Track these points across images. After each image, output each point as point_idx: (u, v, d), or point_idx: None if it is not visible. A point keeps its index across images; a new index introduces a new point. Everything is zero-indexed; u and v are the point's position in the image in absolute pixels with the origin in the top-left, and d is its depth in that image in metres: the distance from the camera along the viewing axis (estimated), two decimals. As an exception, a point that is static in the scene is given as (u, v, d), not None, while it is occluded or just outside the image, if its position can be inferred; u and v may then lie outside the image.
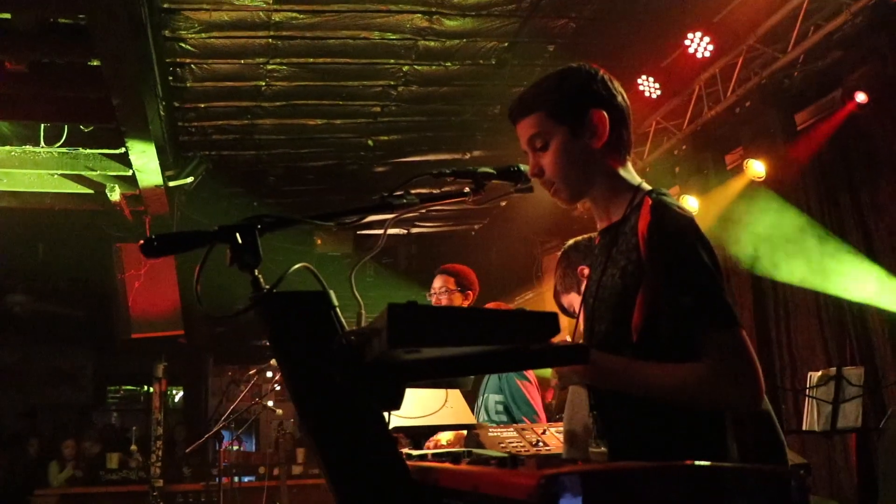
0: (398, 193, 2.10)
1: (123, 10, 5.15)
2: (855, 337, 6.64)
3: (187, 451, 6.59)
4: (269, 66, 7.69)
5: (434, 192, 2.19)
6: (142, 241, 1.76)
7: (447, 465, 1.73)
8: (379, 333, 1.55)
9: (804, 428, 5.64)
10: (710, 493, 1.22)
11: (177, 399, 15.67)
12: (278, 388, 7.34)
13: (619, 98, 2.14)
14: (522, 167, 2.26)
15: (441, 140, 10.00)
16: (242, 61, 7.55)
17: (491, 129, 9.74)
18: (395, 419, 2.67)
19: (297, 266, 1.90)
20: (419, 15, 7.07)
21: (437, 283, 4.39)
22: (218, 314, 1.81)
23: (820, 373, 5.63)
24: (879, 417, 5.84)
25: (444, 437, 3.65)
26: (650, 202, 1.99)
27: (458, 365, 1.74)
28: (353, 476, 1.65)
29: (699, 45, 7.32)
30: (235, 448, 9.00)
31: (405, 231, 13.33)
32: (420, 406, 2.90)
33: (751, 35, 7.12)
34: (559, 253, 3.54)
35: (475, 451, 2.02)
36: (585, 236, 3.37)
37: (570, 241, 3.41)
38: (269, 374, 8.50)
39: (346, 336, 1.68)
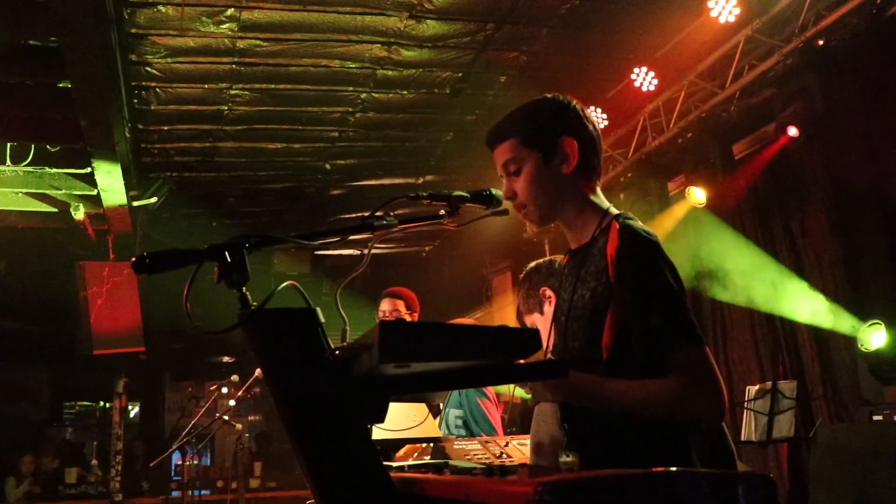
0: (378, 215, 2.10)
1: (95, 35, 5.07)
2: (787, 353, 6.82)
3: (151, 465, 6.44)
4: (232, 91, 7.64)
5: (404, 212, 2.18)
6: (134, 259, 1.73)
7: (431, 475, 1.73)
8: (369, 349, 1.55)
9: (742, 438, 5.76)
10: (694, 496, 1.24)
11: (132, 414, 15.31)
12: (233, 403, 7.23)
13: (590, 127, 2.17)
14: (494, 191, 2.26)
15: (395, 165, 10.03)
16: (206, 86, 7.49)
17: (444, 154, 9.81)
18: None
19: (284, 284, 1.89)
20: (378, 45, 7.10)
21: (387, 305, 4.32)
22: (209, 330, 1.78)
23: (757, 387, 5.77)
24: (808, 428, 6.01)
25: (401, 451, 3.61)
26: (618, 226, 2.01)
27: (442, 379, 1.74)
28: (339, 488, 1.63)
29: (644, 78, 7.50)
30: (194, 462, 8.81)
31: (359, 252, 13.29)
32: (391, 420, 2.88)
33: (692, 71, 7.32)
34: (510, 273, 3.56)
35: (452, 462, 2.01)
36: (546, 259, 3.40)
37: (532, 264, 3.43)
38: (225, 389, 8.37)
39: (334, 351, 1.67)
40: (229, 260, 1.75)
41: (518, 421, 6.48)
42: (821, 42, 6.07)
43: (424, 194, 2.22)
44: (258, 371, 6.43)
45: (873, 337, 5.46)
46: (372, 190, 10.53)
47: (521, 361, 1.69)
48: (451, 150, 9.70)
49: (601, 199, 2.19)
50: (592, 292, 2.01)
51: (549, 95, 2.21)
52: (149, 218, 9.27)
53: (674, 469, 1.28)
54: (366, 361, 1.58)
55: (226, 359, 13.06)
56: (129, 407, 15.06)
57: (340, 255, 12.71)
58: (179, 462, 8.61)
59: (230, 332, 1.76)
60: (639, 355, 1.88)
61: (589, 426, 2.00)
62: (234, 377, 7.04)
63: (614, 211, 2.15)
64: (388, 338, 1.45)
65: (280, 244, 1.91)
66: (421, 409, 3.12)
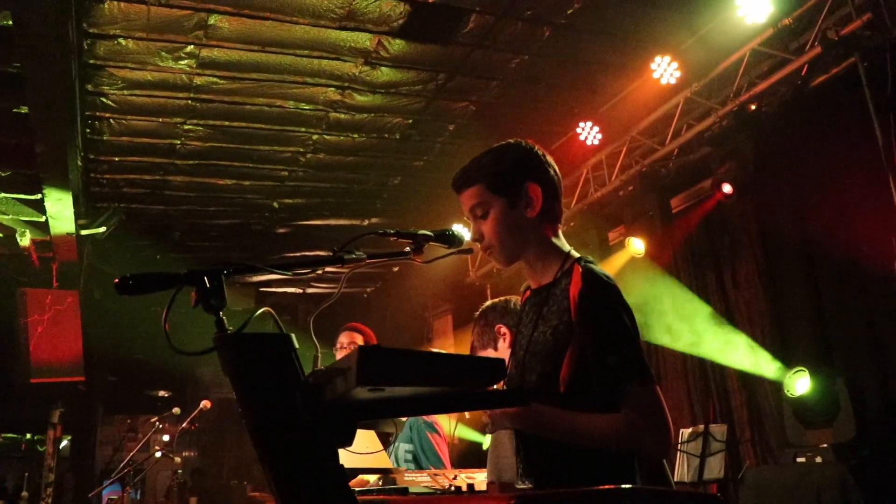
0: (348, 249, 2.16)
1: (59, 63, 5.05)
2: (717, 397, 7.02)
3: (90, 495, 6.25)
4: (186, 126, 7.64)
5: (369, 250, 2.24)
6: (117, 280, 1.75)
7: (397, 497, 1.78)
8: (344, 373, 1.60)
9: (675, 479, 5.89)
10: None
11: (61, 446, 14.72)
12: (167, 438, 7.09)
13: (552, 172, 2.27)
14: (456, 231, 2.32)
15: (342, 206, 10.10)
16: (160, 119, 7.47)
17: (390, 198, 9.92)
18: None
19: (260, 311, 1.94)
20: (333, 88, 7.21)
21: (345, 338, 4.36)
22: (185, 352, 1.80)
23: (690, 430, 5.93)
24: (737, 469, 6.19)
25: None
26: (580, 269, 2.11)
27: (412, 404, 1.81)
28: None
29: (589, 132, 7.73)
30: (131, 496, 8.55)
31: (301, 291, 13.23)
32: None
33: (634, 128, 7.58)
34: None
35: (414, 487, 2.06)
36: (502, 298, 3.49)
37: (489, 302, 3.52)
38: (160, 425, 8.20)
39: (308, 376, 1.72)
40: (208, 285, 1.79)
41: (455, 461, 6.50)
42: (753, 106, 6.36)
43: (392, 231, 2.28)
44: (203, 403, 6.35)
45: (798, 383, 5.67)
46: (318, 230, 10.56)
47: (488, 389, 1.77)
48: (397, 194, 9.81)
49: (562, 241, 2.29)
50: (554, 329, 2.10)
51: (512, 141, 2.29)
52: (95, 248, 9.10)
53: (629, 487, 1.37)
54: (340, 385, 1.62)
55: (162, 393, 12.74)
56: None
57: (285, 292, 12.64)
58: (114, 497, 8.33)
59: (206, 354, 1.80)
60: (594, 390, 1.97)
61: (543, 455, 2.07)
62: (176, 409, 6.92)
63: (575, 254, 2.25)
64: (367, 361, 1.50)
65: (257, 273, 1.96)
66: (373, 439, 3.16)
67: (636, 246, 7.60)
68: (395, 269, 12.93)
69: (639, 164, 7.58)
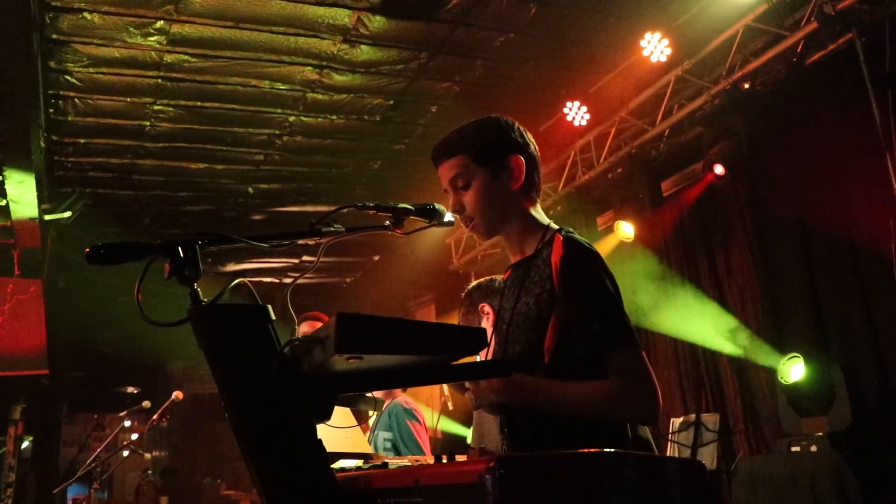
0: (326, 222, 2.19)
1: (19, 36, 5.03)
2: (709, 386, 7.10)
3: (54, 491, 6.24)
4: (156, 107, 7.61)
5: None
6: (88, 249, 1.78)
7: (377, 471, 1.81)
8: (322, 342, 1.64)
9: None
10: (631, 474, 1.38)
11: (22, 446, 14.61)
12: (137, 437, 7.09)
13: (532, 147, 2.37)
14: (438, 206, 2.37)
15: (320, 192, 10.10)
16: (128, 99, 7.45)
17: (370, 182, 9.92)
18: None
19: (235, 282, 1.98)
20: (310, 67, 7.21)
21: (306, 328, 4.38)
22: (158, 322, 1.82)
23: (681, 419, 6.01)
24: (730, 460, 6.28)
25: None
26: (561, 238, 2.19)
27: (390, 377, 1.85)
28: (287, 486, 1.70)
29: (577, 113, 7.78)
30: (97, 495, 8.54)
31: (278, 280, 13.22)
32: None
33: (623, 108, 7.62)
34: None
35: (393, 462, 2.09)
36: (487, 278, 3.56)
37: (474, 283, 3.59)
38: (128, 423, 8.18)
39: (285, 346, 1.75)
40: (182, 256, 1.81)
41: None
42: (746, 85, 6.43)
43: (371, 205, 2.32)
44: (175, 394, 6.36)
45: (792, 370, 5.75)
46: (295, 216, 10.56)
47: (467, 360, 1.82)
48: (378, 179, 9.82)
49: (541, 214, 2.37)
50: (537, 299, 2.16)
51: (492, 115, 2.37)
52: (58, 234, 9.05)
53: (613, 451, 1.42)
54: (318, 355, 1.66)
55: (131, 389, 12.71)
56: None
57: (262, 281, 12.64)
58: (78, 497, 8.31)
59: (180, 325, 1.82)
60: (580, 358, 2.03)
61: (530, 428, 2.13)
62: (146, 403, 6.93)
63: (555, 226, 2.32)
64: (346, 328, 1.54)
65: (232, 244, 1.98)
66: (348, 417, 3.19)
67: (625, 230, 7.67)
68: (376, 258, 12.95)
69: (628, 146, 7.64)
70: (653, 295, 7.39)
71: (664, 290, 7.44)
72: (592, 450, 1.40)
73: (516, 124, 2.37)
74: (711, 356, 7.13)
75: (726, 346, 6.89)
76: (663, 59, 6.82)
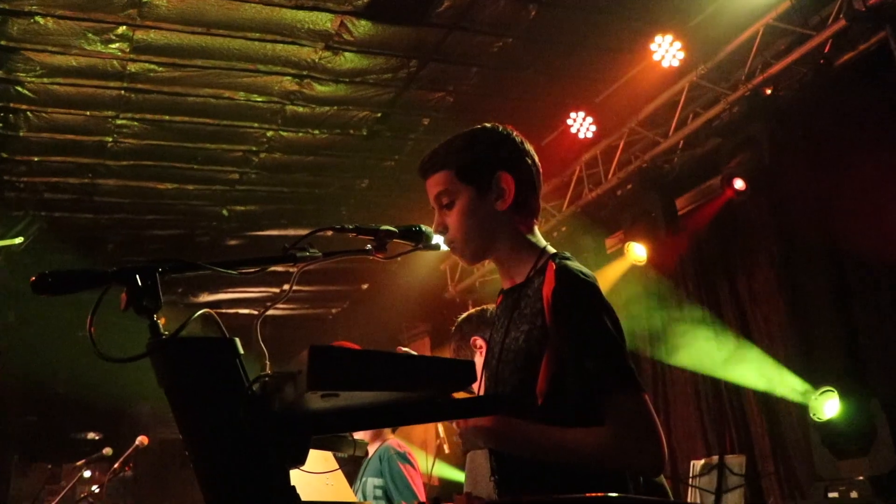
0: (301, 246, 2.20)
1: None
2: (734, 424, 7.08)
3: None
4: (119, 121, 7.63)
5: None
6: (34, 278, 1.78)
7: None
8: (294, 378, 1.64)
9: (686, 519, 5.91)
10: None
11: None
12: (97, 489, 7.03)
13: (528, 161, 2.36)
14: (424, 228, 2.37)
15: (302, 213, 10.13)
16: (88, 113, 7.45)
17: (358, 203, 9.95)
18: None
19: (199, 312, 1.98)
20: (289, 77, 7.25)
21: None
22: (113, 358, 1.82)
23: (703, 461, 5.97)
24: (758, 508, 6.24)
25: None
26: (554, 266, 2.18)
27: (370, 415, 1.85)
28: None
29: (582, 124, 7.83)
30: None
31: (256, 312, 13.22)
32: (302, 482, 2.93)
33: (633, 118, 7.68)
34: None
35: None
36: (478, 308, 3.58)
37: (464, 314, 3.61)
38: (88, 473, 8.13)
39: (253, 383, 1.74)
40: (140, 284, 1.82)
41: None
42: (768, 90, 6.47)
43: (350, 227, 2.33)
44: (139, 439, 6.33)
45: (826, 405, 5.72)
46: (274, 241, 10.57)
47: (454, 396, 1.82)
48: (365, 199, 9.86)
49: (538, 237, 2.37)
50: (526, 335, 2.16)
51: (487, 125, 2.39)
52: (10, 262, 9.03)
53: (620, 496, 1.42)
54: (289, 393, 1.66)
55: (91, 435, 12.61)
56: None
57: (237, 313, 12.63)
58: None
59: (137, 360, 1.82)
60: (574, 402, 2.03)
61: (519, 476, 2.10)
62: (108, 450, 6.89)
63: (551, 250, 2.32)
64: (319, 362, 1.54)
65: (196, 271, 1.99)
66: (329, 461, 3.18)
67: (637, 252, 7.68)
68: (364, 286, 12.96)
69: (639, 160, 7.69)
70: (668, 324, 7.39)
71: (681, 318, 7.45)
72: (596, 494, 1.40)
73: (514, 134, 2.37)
74: (735, 391, 7.12)
75: (752, 380, 6.87)
76: (676, 63, 6.87)
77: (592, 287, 2.13)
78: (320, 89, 7.49)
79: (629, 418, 1.96)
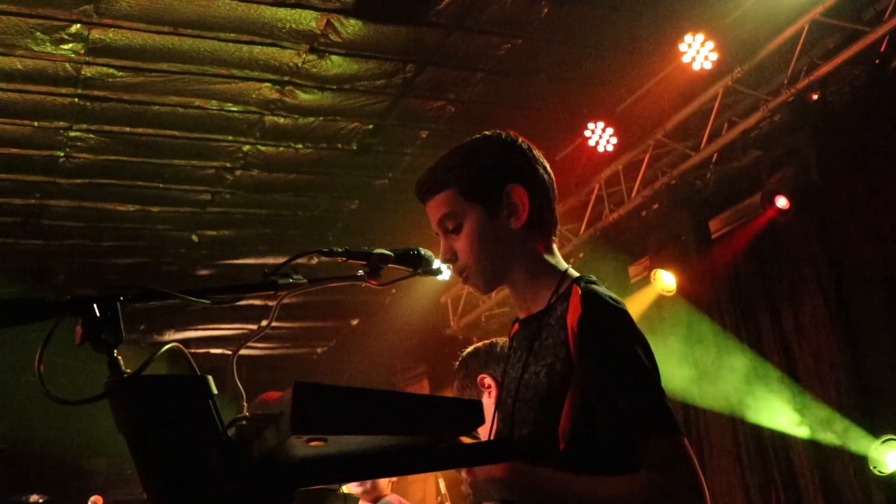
0: (283, 273, 2.19)
1: None
2: (780, 480, 7.01)
3: None
4: (72, 133, 7.62)
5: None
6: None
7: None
8: (276, 420, 1.62)
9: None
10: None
11: None
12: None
13: (541, 170, 2.36)
14: (423, 251, 2.39)
15: (283, 239, 10.15)
16: (36, 124, 7.44)
17: (346, 227, 9.97)
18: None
19: (167, 347, 1.97)
20: (269, 84, 7.27)
21: None
22: (67, 400, 1.81)
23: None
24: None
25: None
26: (580, 291, 2.17)
27: (364, 464, 1.83)
28: None
29: (601, 136, 7.85)
30: None
31: (231, 351, 13.20)
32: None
33: (659, 129, 7.69)
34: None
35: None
36: (486, 342, 3.56)
37: (470, 348, 3.60)
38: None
39: (229, 427, 1.73)
40: (98, 315, 1.80)
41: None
42: (815, 96, 6.48)
43: (339, 250, 2.32)
44: (93, 500, 6.29)
45: (888, 457, 5.68)
46: (251, 271, 10.56)
47: (461, 440, 1.81)
48: (355, 223, 9.87)
49: (557, 258, 2.37)
50: (549, 369, 2.15)
51: (489, 133, 2.39)
52: (-58, 298, 9.01)
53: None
54: (270, 438, 1.65)
55: (34, 498, 12.54)
56: None
57: (208, 353, 12.60)
58: None
59: (94, 402, 1.80)
60: (603, 446, 2.01)
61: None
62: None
63: (574, 273, 2.33)
64: (304, 402, 1.53)
65: (164, 300, 1.98)
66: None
67: (665, 281, 7.69)
68: (355, 322, 12.93)
69: (666, 176, 7.71)
70: (702, 362, 7.36)
71: (716, 355, 7.40)
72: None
73: (519, 142, 2.38)
74: (781, 440, 7.07)
75: (800, 428, 6.83)
76: (708, 66, 6.90)
77: (623, 314, 2.14)
78: (304, 97, 7.52)
79: (668, 465, 1.95)
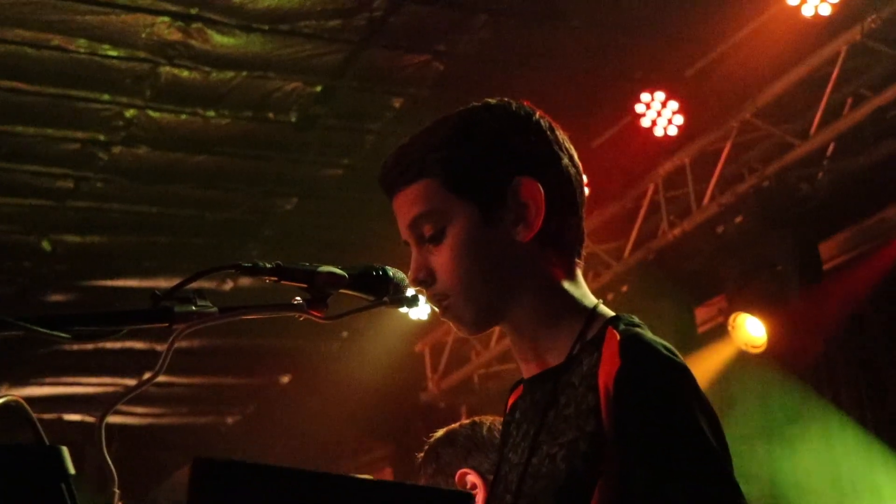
0: (182, 297, 2.17)
1: None
2: None
3: None
4: None
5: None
6: None
7: None
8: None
9: None
10: None
11: None
12: None
13: (566, 160, 2.34)
14: (391, 271, 2.36)
15: (184, 251, 10.15)
16: None
17: (278, 236, 10.00)
18: None
19: (2, 400, 1.98)
20: (167, 18, 7.21)
21: None
22: None
23: None
24: None
25: None
26: (617, 337, 2.15)
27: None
28: None
29: (660, 114, 7.89)
30: None
31: (93, 419, 13.20)
32: None
33: (747, 104, 7.70)
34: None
35: None
36: (466, 423, 3.55)
37: (441, 432, 3.57)
38: None
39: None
40: None
41: None
42: None
43: (268, 266, 2.25)
44: None
45: None
46: (133, 296, 10.50)
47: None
48: (293, 228, 9.86)
49: (583, 289, 2.36)
50: (569, 450, 2.14)
51: (491, 101, 2.36)
52: None
53: None
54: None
55: None
56: None
57: (60, 419, 12.61)
58: None
59: None
60: None
61: None
62: None
63: (607, 311, 2.31)
64: (207, 486, 1.54)
65: (6, 330, 1.98)
66: None
67: (751, 332, 7.71)
68: (285, 379, 12.94)
69: (756, 175, 7.71)
70: (804, 444, 7.39)
71: (824, 437, 7.44)
72: None
73: (536, 115, 2.35)
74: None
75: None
76: (826, 12, 6.89)
77: (683, 371, 2.12)
78: (219, 41, 7.49)
79: None
